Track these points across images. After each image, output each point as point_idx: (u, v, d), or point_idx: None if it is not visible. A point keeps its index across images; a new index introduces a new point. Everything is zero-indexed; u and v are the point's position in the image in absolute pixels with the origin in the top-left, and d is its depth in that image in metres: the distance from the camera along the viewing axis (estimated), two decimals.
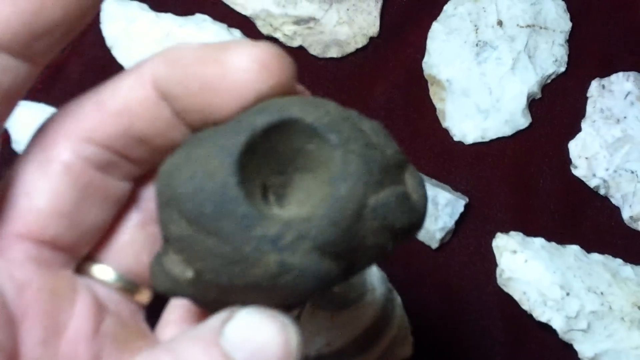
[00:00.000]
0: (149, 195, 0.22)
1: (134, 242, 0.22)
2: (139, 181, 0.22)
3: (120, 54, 0.45)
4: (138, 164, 0.21)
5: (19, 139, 0.42)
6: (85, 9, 0.19)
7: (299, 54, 0.47)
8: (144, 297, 0.22)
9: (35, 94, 0.44)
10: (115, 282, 0.21)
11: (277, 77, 0.19)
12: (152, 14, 0.45)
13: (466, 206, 0.43)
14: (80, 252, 0.20)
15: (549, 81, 0.47)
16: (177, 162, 0.18)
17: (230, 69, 0.18)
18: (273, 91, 0.19)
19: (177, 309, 0.22)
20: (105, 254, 0.21)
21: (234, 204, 0.17)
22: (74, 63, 0.45)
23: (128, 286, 0.22)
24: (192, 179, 0.17)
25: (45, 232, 0.19)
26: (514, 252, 0.41)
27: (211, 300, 0.19)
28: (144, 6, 0.45)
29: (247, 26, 0.46)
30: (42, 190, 0.19)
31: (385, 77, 0.47)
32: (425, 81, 0.47)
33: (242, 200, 0.17)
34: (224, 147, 0.18)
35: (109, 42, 0.45)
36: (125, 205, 0.21)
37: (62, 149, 0.19)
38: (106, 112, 0.20)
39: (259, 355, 0.17)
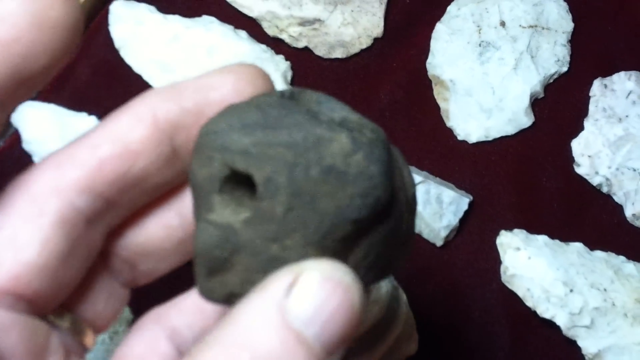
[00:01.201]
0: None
1: (97, 288, 0.21)
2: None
3: (128, 55, 0.45)
4: (123, 210, 0.20)
5: (29, 139, 0.43)
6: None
7: (304, 55, 0.47)
8: (90, 340, 0.21)
9: (45, 95, 0.45)
10: (70, 325, 0.21)
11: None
12: (160, 16, 0.46)
13: (470, 204, 0.44)
14: (56, 303, 0.20)
15: (551, 81, 0.48)
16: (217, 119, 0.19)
17: (227, 94, 0.19)
18: None
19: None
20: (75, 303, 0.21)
21: (291, 108, 0.18)
22: (83, 64, 0.46)
23: (79, 329, 0.21)
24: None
25: (29, 287, 0.18)
26: (518, 249, 0.42)
27: (264, 245, 0.18)
28: (152, 8, 0.46)
29: (253, 28, 0.47)
30: (32, 244, 0.18)
31: (389, 77, 0.47)
32: (429, 81, 0.47)
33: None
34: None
35: (117, 43, 0.46)
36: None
37: (56, 200, 0.18)
38: (104, 156, 0.19)
39: (327, 328, 0.16)
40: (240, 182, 0.18)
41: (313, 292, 0.16)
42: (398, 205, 0.19)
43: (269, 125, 0.18)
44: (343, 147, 0.18)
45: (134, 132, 0.19)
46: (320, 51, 0.47)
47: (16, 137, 0.43)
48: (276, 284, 0.17)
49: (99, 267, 0.21)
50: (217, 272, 0.18)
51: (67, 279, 0.19)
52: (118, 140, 0.19)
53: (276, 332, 0.16)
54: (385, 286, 0.38)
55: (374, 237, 0.18)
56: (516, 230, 0.43)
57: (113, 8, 0.46)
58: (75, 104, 0.44)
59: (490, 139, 0.46)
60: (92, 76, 0.46)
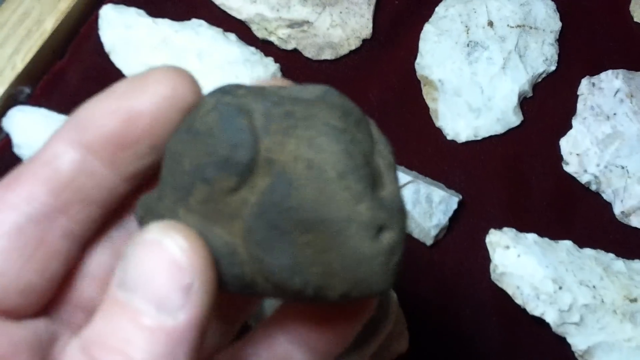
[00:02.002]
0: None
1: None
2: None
3: (118, 60, 0.46)
4: (81, 223, 0.21)
5: (20, 143, 0.43)
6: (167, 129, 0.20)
7: (293, 57, 0.47)
8: None
9: (36, 99, 0.45)
10: None
11: (189, 97, 0.20)
12: (150, 20, 0.46)
13: (460, 203, 0.44)
14: (32, 307, 0.20)
15: (539, 80, 0.48)
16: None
17: (145, 102, 0.19)
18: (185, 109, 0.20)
19: None
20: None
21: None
22: (73, 69, 0.46)
23: None
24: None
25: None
26: (507, 247, 0.42)
27: (161, 204, 0.19)
28: (142, 12, 0.46)
29: (242, 30, 0.47)
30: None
31: (378, 78, 0.48)
32: (418, 82, 0.48)
33: None
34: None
35: (107, 47, 0.46)
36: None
37: (9, 211, 0.19)
38: (41, 180, 0.20)
39: (150, 287, 0.17)
40: None
41: (129, 259, 0.17)
42: (279, 176, 0.18)
43: None
44: (206, 108, 0.19)
45: (61, 160, 0.20)
46: (309, 53, 0.47)
47: (7, 142, 0.44)
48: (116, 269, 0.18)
49: None
50: None
51: (34, 284, 0.20)
52: (50, 168, 0.20)
53: (109, 306, 0.17)
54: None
55: (252, 207, 0.18)
56: (505, 229, 0.43)
57: (103, 13, 0.46)
58: (65, 108, 0.45)
59: (479, 138, 0.47)
60: (83, 80, 0.46)
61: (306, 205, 0.18)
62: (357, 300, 0.19)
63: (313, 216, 0.18)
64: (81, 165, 0.20)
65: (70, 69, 0.46)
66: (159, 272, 0.17)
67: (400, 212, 0.19)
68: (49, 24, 0.45)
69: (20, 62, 0.44)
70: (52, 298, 0.21)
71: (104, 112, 0.20)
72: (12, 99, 0.45)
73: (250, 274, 0.19)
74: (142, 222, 0.20)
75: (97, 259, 0.21)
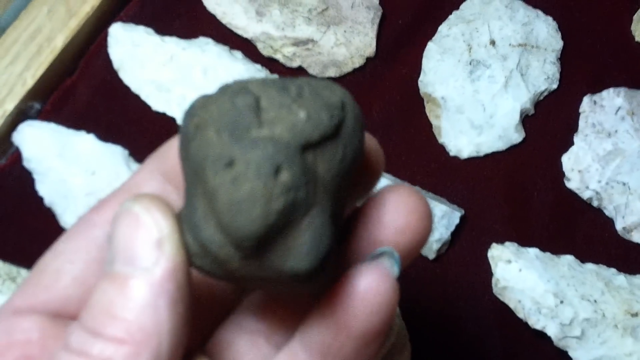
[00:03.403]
0: None
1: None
2: None
3: (126, 76, 0.47)
4: None
5: (30, 157, 0.44)
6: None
7: (298, 74, 0.48)
8: None
9: (46, 114, 0.46)
10: None
11: None
12: (157, 38, 0.47)
13: (462, 218, 0.44)
14: None
15: (541, 98, 0.49)
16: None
17: None
18: None
19: None
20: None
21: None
22: (82, 85, 0.47)
23: None
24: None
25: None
26: (509, 262, 0.42)
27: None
28: (150, 30, 0.47)
29: (248, 48, 0.48)
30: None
31: (382, 95, 0.48)
32: (421, 99, 0.48)
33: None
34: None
35: (115, 65, 0.47)
36: None
37: (92, 227, 0.23)
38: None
39: (123, 251, 0.19)
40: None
41: (112, 231, 0.19)
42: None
43: None
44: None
45: (144, 188, 0.23)
46: (313, 70, 0.48)
47: (17, 155, 0.44)
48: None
49: None
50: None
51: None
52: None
53: (98, 282, 0.19)
54: None
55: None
56: (507, 243, 0.43)
57: (112, 30, 0.47)
58: (74, 123, 0.46)
59: (481, 154, 0.47)
60: (92, 96, 0.47)
61: (194, 154, 0.19)
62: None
63: (195, 162, 0.19)
64: (160, 192, 0.22)
65: (79, 85, 0.47)
66: (130, 234, 0.19)
67: (265, 146, 0.18)
68: (60, 41, 0.46)
69: (30, 78, 0.45)
70: None
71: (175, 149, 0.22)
72: (23, 114, 0.46)
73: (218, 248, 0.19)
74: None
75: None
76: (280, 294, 0.23)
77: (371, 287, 0.20)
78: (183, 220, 0.19)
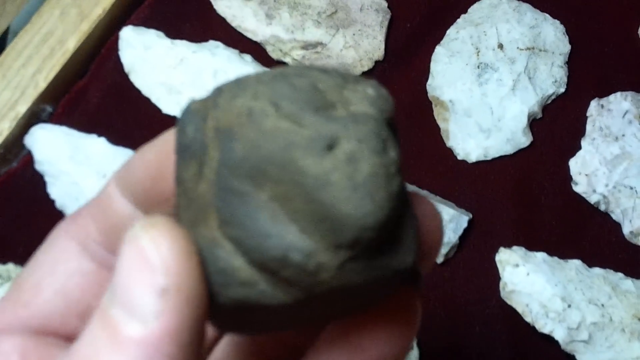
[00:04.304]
0: None
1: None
2: None
3: (137, 79, 0.47)
4: None
5: (41, 159, 0.44)
6: None
7: None
8: None
9: (58, 117, 0.46)
10: None
11: None
12: (168, 41, 0.47)
13: (470, 222, 0.45)
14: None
15: (549, 101, 0.49)
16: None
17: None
18: None
19: None
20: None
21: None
22: (94, 88, 0.48)
23: None
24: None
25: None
26: (516, 265, 0.42)
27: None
28: (160, 34, 0.48)
29: (258, 51, 0.49)
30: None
31: None
32: (429, 102, 0.49)
33: None
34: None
35: (126, 68, 0.47)
36: None
37: (69, 239, 0.20)
38: (95, 219, 0.20)
39: (121, 291, 0.15)
40: None
41: (120, 261, 0.16)
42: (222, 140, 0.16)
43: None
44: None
45: (114, 204, 0.19)
46: None
47: (29, 158, 0.45)
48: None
49: None
50: None
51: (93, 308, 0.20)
52: (102, 212, 0.20)
53: (93, 317, 0.16)
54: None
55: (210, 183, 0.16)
56: (515, 247, 0.44)
57: (123, 34, 0.48)
58: (86, 126, 0.46)
59: (489, 158, 0.47)
60: (103, 99, 0.47)
61: (247, 152, 0.15)
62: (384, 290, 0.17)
63: (257, 160, 0.15)
64: (130, 211, 0.19)
65: (91, 88, 0.48)
66: (131, 271, 0.15)
67: (365, 122, 0.15)
68: (71, 44, 0.47)
69: (42, 81, 0.46)
70: None
71: (141, 165, 0.19)
72: (35, 117, 0.46)
73: (241, 269, 0.16)
74: None
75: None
76: (353, 310, 0.18)
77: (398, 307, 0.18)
78: (207, 250, 0.16)
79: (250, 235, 0.15)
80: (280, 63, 0.49)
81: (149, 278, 0.15)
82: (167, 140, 0.18)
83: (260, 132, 0.15)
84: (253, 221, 0.15)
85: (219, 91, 0.16)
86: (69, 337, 0.20)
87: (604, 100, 0.48)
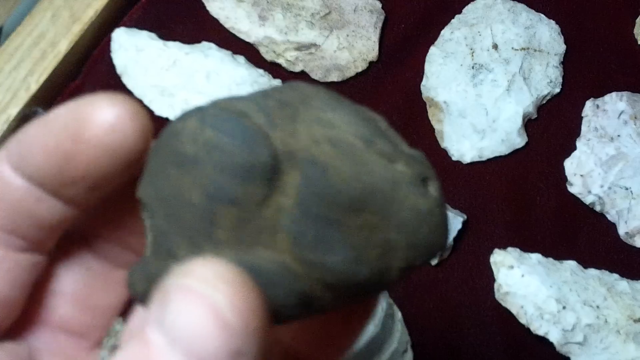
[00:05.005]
0: None
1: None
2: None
3: (130, 81, 0.47)
4: (38, 244, 0.19)
5: None
6: (119, 166, 0.17)
7: (301, 79, 0.48)
8: None
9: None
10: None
11: (139, 131, 0.17)
12: (160, 43, 0.47)
13: (464, 223, 0.44)
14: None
15: (544, 102, 0.49)
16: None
17: (85, 136, 0.17)
18: (136, 147, 0.17)
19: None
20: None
21: None
22: (86, 90, 0.47)
23: None
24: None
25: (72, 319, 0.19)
26: (511, 267, 0.42)
27: (162, 259, 0.17)
28: (153, 35, 0.48)
29: (251, 53, 0.48)
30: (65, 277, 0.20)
31: (385, 99, 0.48)
32: (424, 103, 0.48)
33: None
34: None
35: (119, 69, 0.47)
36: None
37: None
38: None
39: (193, 349, 0.14)
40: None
41: (172, 307, 0.14)
42: (308, 164, 0.16)
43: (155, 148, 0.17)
44: (191, 129, 0.16)
45: (11, 184, 0.18)
46: (316, 75, 0.48)
47: None
48: (153, 302, 0.15)
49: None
50: None
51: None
52: None
53: (137, 345, 0.14)
54: (380, 304, 0.39)
55: (292, 210, 0.16)
56: (510, 249, 0.43)
57: (115, 36, 0.47)
58: None
59: (484, 159, 0.47)
60: None
61: (348, 184, 0.16)
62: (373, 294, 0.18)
63: (359, 192, 0.16)
64: (28, 191, 0.18)
65: (83, 90, 0.47)
66: (207, 331, 0.14)
67: (426, 161, 0.17)
68: (63, 46, 0.46)
69: (34, 84, 0.45)
70: (25, 319, 0.20)
71: (42, 148, 0.17)
72: (27, 119, 0.46)
73: (308, 288, 0.16)
74: (144, 296, 0.17)
75: (70, 279, 0.20)
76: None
77: None
78: (269, 270, 0.16)
79: (338, 260, 0.16)
80: (274, 65, 0.48)
81: (226, 340, 0.14)
82: (68, 122, 0.17)
83: (358, 165, 0.16)
84: (341, 248, 0.16)
85: (244, 99, 0.16)
86: None
87: (599, 101, 0.48)
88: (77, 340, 0.20)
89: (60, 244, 0.20)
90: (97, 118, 0.17)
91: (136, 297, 0.17)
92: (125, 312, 0.23)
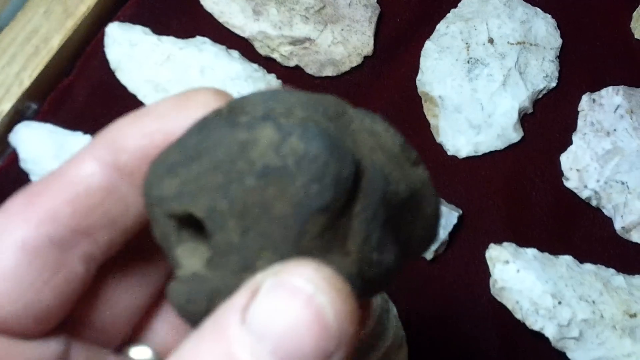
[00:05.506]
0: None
1: (166, 320, 0.22)
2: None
3: (123, 77, 0.47)
4: (103, 247, 0.19)
5: (26, 157, 0.44)
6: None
7: (295, 73, 0.48)
8: None
9: (43, 115, 0.46)
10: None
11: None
12: (154, 38, 0.47)
13: (460, 218, 0.44)
14: (41, 331, 0.19)
15: (540, 96, 0.49)
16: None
17: (184, 124, 0.18)
18: None
19: None
20: (144, 334, 0.22)
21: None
22: (79, 85, 0.47)
23: None
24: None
25: None
26: (507, 262, 0.42)
27: (236, 278, 0.16)
28: (147, 30, 0.47)
29: (245, 47, 0.48)
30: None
31: (380, 94, 0.48)
32: (419, 98, 0.48)
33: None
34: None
35: (112, 65, 0.47)
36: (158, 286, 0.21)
37: (20, 227, 0.18)
38: (67, 200, 0.18)
39: (284, 345, 0.14)
40: (198, 227, 0.17)
41: (266, 302, 0.14)
42: (373, 170, 0.17)
43: (190, 156, 0.16)
44: (270, 140, 0.16)
45: (93, 182, 0.18)
46: (311, 70, 0.48)
47: (14, 156, 0.44)
48: (237, 295, 0.15)
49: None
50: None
51: (49, 307, 0.19)
52: (78, 191, 0.18)
53: (219, 347, 0.14)
54: (374, 299, 0.39)
55: (362, 214, 0.16)
56: (505, 244, 0.43)
57: (109, 30, 0.47)
58: (72, 123, 0.45)
59: (479, 154, 0.47)
60: (89, 96, 0.47)
61: (400, 186, 0.17)
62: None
63: (408, 194, 0.18)
64: (111, 188, 0.18)
65: (76, 86, 0.47)
66: (302, 331, 0.14)
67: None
68: (56, 41, 0.46)
69: (27, 79, 0.45)
70: (66, 318, 0.20)
71: (140, 132, 0.18)
72: (20, 114, 0.45)
73: (358, 287, 0.17)
74: (203, 314, 0.16)
75: (114, 282, 0.21)
76: None
77: None
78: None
79: (389, 259, 0.17)
80: (268, 59, 0.48)
81: (321, 342, 0.14)
82: (165, 112, 0.18)
83: (402, 169, 0.18)
84: (392, 247, 0.17)
85: (298, 110, 0.17)
86: (21, 334, 0.19)
87: (595, 95, 0.48)
88: (104, 339, 0.20)
89: None
90: (195, 108, 0.18)
91: (193, 315, 0.17)
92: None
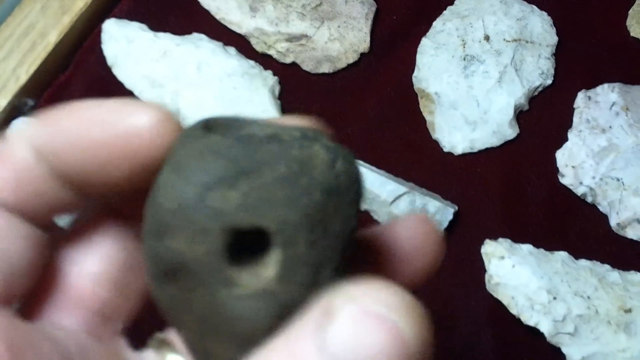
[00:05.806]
0: None
1: None
2: None
3: (120, 73, 0.47)
4: (47, 225, 0.19)
5: None
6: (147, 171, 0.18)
7: (292, 70, 0.48)
8: None
9: (40, 112, 0.46)
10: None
11: (171, 138, 0.18)
12: (151, 34, 0.47)
13: (455, 214, 0.44)
14: (119, 318, 0.20)
15: (536, 93, 0.49)
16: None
17: (126, 132, 0.18)
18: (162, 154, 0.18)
19: None
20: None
21: None
22: (76, 81, 0.47)
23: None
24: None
25: (97, 298, 0.20)
26: (502, 258, 0.42)
27: (305, 291, 0.16)
28: (144, 26, 0.47)
29: (242, 44, 0.48)
30: (92, 256, 0.20)
31: (376, 91, 0.48)
32: (415, 95, 0.48)
33: None
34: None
35: (109, 61, 0.47)
36: None
37: None
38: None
39: None
40: (233, 248, 0.16)
41: (347, 329, 0.14)
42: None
43: (244, 168, 0.16)
44: (323, 159, 0.16)
45: (26, 163, 0.18)
46: (307, 66, 0.48)
47: None
48: (312, 313, 0.15)
49: None
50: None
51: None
52: (11, 168, 0.18)
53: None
54: None
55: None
56: (501, 240, 0.43)
57: (106, 27, 0.47)
58: None
59: (475, 150, 0.47)
60: (86, 92, 0.47)
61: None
62: None
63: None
64: (45, 177, 0.18)
65: (73, 82, 0.47)
66: (386, 357, 0.14)
67: None
68: (53, 37, 0.46)
69: (24, 75, 0.45)
70: (50, 296, 0.20)
71: (82, 146, 0.18)
72: (16, 110, 0.46)
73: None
74: (272, 327, 0.16)
75: (98, 259, 0.21)
76: None
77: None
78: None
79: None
80: (265, 56, 0.48)
81: None
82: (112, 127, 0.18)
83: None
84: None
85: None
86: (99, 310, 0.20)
87: (591, 92, 0.48)
88: (103, 321, 0.20)
89: (93, 222, 0.20)
90: (141, 127, 0.18)
91: (252, 333, 0.16)
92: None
